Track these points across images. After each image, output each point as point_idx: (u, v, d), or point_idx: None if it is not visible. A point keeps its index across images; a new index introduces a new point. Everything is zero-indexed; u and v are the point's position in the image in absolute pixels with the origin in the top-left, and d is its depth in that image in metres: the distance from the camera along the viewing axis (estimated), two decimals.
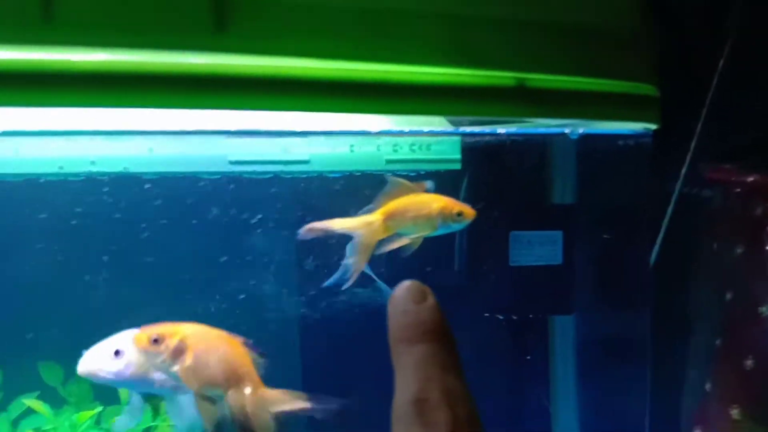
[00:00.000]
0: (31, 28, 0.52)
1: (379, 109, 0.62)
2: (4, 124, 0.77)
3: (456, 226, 0.76)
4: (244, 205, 1.01)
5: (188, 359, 0.64)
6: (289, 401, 0.63)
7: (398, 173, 1.03)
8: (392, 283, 0.32)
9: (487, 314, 1.08)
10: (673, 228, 1.04)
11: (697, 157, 1.02)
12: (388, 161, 0.98)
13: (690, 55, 0.99)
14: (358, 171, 0.99)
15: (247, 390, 0.63)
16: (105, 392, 1.06)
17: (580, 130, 0.77)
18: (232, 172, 0.97)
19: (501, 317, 1.06)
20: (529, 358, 1.14)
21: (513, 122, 0.80)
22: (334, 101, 0.60)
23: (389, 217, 0.75)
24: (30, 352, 1.06)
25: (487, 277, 1.03)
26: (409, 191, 0.76)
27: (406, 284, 0.33)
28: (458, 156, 0.97)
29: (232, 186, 0.99)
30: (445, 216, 0.75)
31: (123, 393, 1.04)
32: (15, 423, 1.02)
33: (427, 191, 0.76)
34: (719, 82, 0.98)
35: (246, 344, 0.65)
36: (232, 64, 0.57)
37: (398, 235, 0.75)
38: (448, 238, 0.99)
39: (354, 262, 0.73)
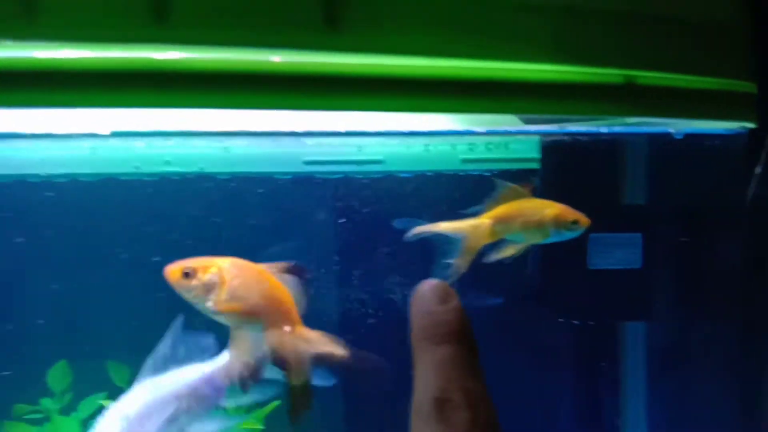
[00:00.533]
0: (143, 28, 0.51)
1: (487, 109, 0.60)
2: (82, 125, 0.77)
3: (568, 235, 0.73)
4: (315, 205, 1.00)
5: (223, 293, 0.60)
6: (327, 344, 0.60)
7: (473, 173, 1.01)
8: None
9: (561, 319, 1.06)
10: (758, 230, 1.01)
11: None
12: (464, 161, 0.96)
13: None
14: (432, 171, 0.98)
15: (286, 327, 0.60)
16: None
17: (684, 130, 0.75)
18: (306, 172, 0.97)
19: (577, 322, 1.04)
20: (603, 365, 1.12)
21: (598, 120, 0.78)
22: (442, 101, 0.59)
23: (498, 222, 0.73)
24: (98, 352, 1.06)
25: (564, 280, 1.01)
26: (519, 196, 0.73)
27: (430, 284, 0.33)
28: (537, 155, 0.95)
29: (304, 186, 0.99)
30: (558, 224, 0.72)
31: None
32: (85, 423, 1.03)
33: (533, 191, 0.74)
34: None
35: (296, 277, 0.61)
36: (342, 62, 0.56)
37: (506, 242, 0.73)
38: None
39: (457, 264, 0.71)
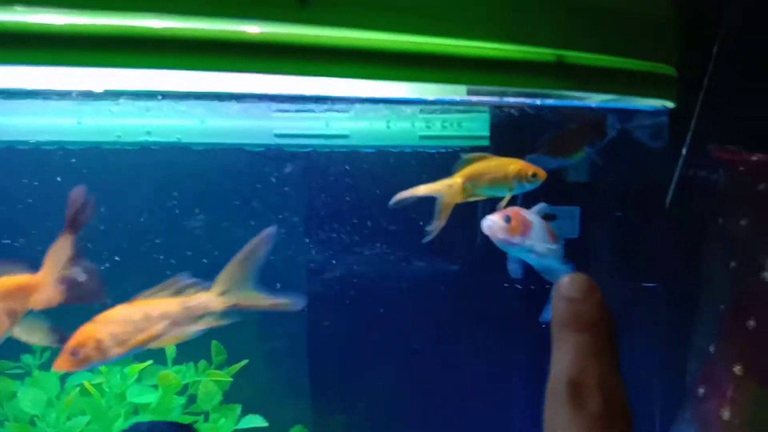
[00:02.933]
0: None
1: (435, 79, 0.69)
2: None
3: (529, 187, 0.83)
4: (286, 176, 1.08)
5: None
6: None
7: (430, 149, 1.11)
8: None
9: (506, 284, 1.16)
10: (682, 205, 1.12)
11: (704, 138, 1.10)
12: (422, 137, 1.05)
13: (699, 39, 1.06)
14: (393, 146, 1.07)
15: None
16: (146, 353, 1.13)
17: (609, 105, 0.85)
18: (276, 145, 1.04)
19: (519, 286, 1.14)
20: (543, 326, 1.22)
21: (539, 96, 0.88)
22: (396, 70, 0.67)
23: (468, 180, 0.83)
24: (75, 312, 1.12)
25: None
26: (483, 159, 0.83)
27: (574, 275, 0.34)
28: (487, 133, 1.04)
29: (274, 158, 1.06)
30: (520, 177, 0.83)
31: (169, 350, 1.10)
32: (63, 378, 1.08)
33: None
34: (726, 66, 1.06)
35: None
36: (311, 34, 0.64)
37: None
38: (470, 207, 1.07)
39: (437, 220, 0.81)
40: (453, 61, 0.69)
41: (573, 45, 0.74)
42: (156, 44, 0.60)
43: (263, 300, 0.73)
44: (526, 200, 1.08)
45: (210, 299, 0.72)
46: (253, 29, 0.63)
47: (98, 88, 0.71)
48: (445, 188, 0.83)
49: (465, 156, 0.87)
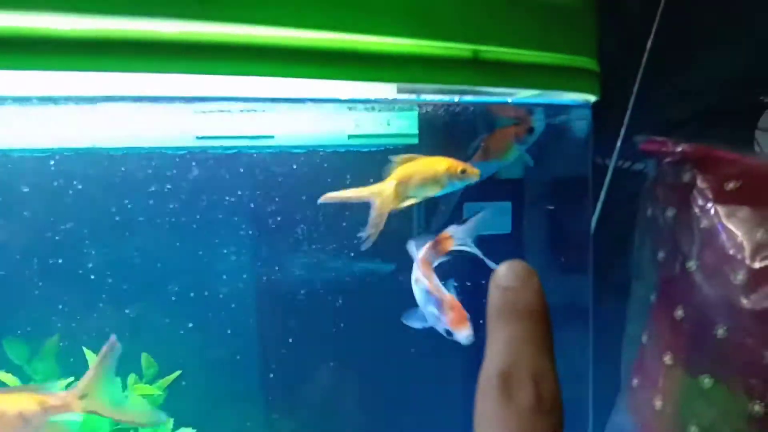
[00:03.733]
0: None
1: (344, 76, 0.67)
2: None
3: (460, 184, 0.82)
4: (211, 182, 1.05)
5: None
6: None
7: (360, 149, 1.09)
8: None
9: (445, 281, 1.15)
10: (611, 197, 1.14)
11: (631, 130, 1.12)
12: (350, 136, 1.03)
13: (625, 31, 1.07)
14: (321, 147, 1.04)
15: None
16: (69, 370, 1.08)
17: (527, 100, 0.84)
18: (199, 148, 1.01)
19: (456, 284, 1.13)
20: (481, 322, 1.22)
21: (464, 92, 0.87)
22: (303, 68, 0.65)
23: (400, 182, 0.81)
24: None
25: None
26: (412, 160, 0.82)
27: (510, 263, 0.34)
28: (416, 131, 1.03)
29: (196, 162, 1.03)
30: (451, 175, 0.82)
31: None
32: None
33: None
34: (652, 59, 1.07)
35: None
36: (212, 31, 0.61)
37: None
38: (421, 209, 1.06)
39: (371, 227, 0.79)
40: (368, 58, 0.67)
41: (489, 40, 0.73)
42: (62, 45, 0.57)
43: (121, 414, 0.71)
44: (461, 198, 1.07)
45: (71, 400, 0.69)
46: (166, 27, 0.60)
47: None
48: (377, 192, 0.81)
49: (394, 159, 0.85)
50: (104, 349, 0.73)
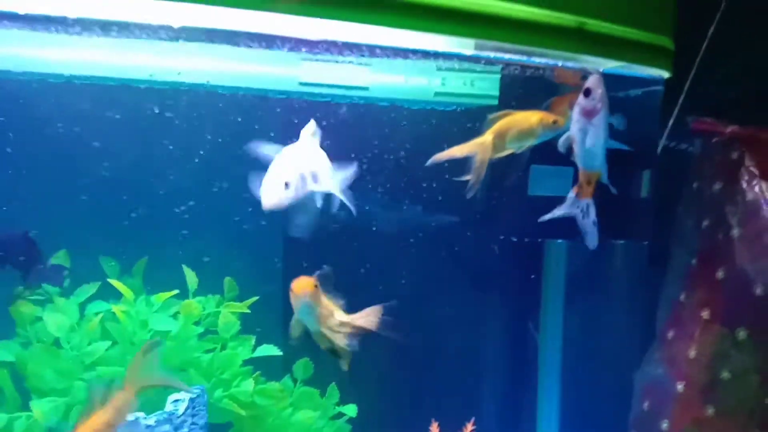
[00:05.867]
0: None
1: (460, 33, 0.77)
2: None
3: (552, 134, 0.92)
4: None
5: None
6: None
7: (443, 106, 1.19)
8: None
9: (502, 237, 1.26)
10: (663, 171, 1.25)
11: (685, 110, 1.22)
12: (437, 93, 1.13)
13: (689, 12, 1.17)
14: (408, 101, 1.15)
15: None
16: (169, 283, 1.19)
17: (613, 72, 0.94)
18: (299, 93, 1.11)
19: (515, 239, 1.25)
20: (533, 277, 1.34)
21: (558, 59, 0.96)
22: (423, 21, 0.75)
23: (498, 136, 0.91)
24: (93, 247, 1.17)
25: (506, 204, 1.21)
26: (506, 114, 0.92)
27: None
28: (497, 93, 1.13)
29: (297, 106, 1.13)
30: (544, 126, 0.92)
31: (191, 282, 1.16)
32: (81, 306, 1.13)
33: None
34: (710, 42, 1.17)
35: None
36: None
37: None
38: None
39: (473, 177, 0.90)
40: (481, 19, 0.77)
41: (592, 13, 0.83)
42: None
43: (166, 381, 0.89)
44: None
45: (128, 395, 0.83)
46: None
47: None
48: (478, 147, 0.92)
49: (490, 116, 0.95)
50: (143, 348, 0.87)
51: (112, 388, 0.83)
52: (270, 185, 0.78)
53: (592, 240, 0.91)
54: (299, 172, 0.81)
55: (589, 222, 0.90)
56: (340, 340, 0.90)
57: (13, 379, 1.08)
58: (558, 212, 0.92)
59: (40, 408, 1.03)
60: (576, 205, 0.91)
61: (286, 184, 0.78)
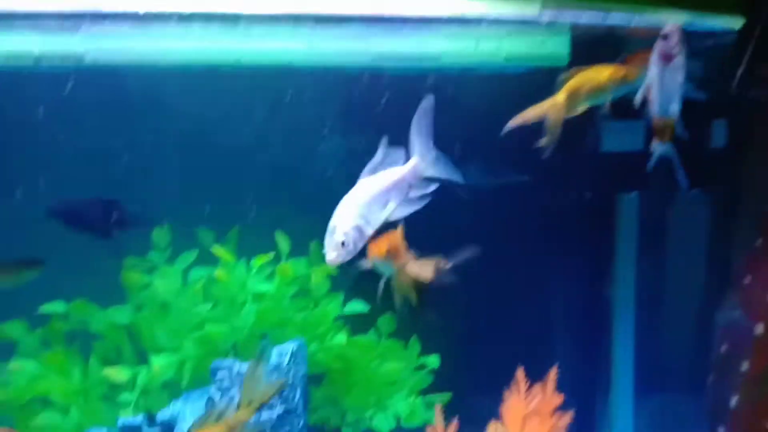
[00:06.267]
0: None
1: None
2: None
3: (624, 89, 0.93)
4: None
5: None
6: None
7: (514, 69, 1.21)
8: None
9: (574, 192, 1.30)
10: (735, 119, 1.26)
11: (757, 58, 1.22)
12: (507, 57, 1.17)
13: None
14: (481, 64, 1.18)
15: None
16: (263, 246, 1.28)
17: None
18: (375, 66, 1.16)
19: (589, 194, 1.28)
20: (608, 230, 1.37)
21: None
22: None
23: (570, 95, 0.93)
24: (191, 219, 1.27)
25: (574, 159, 1.23)
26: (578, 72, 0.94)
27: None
28: (568, 51, 1.15)
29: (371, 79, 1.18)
30: (614, 81, 0.93)
31: (283, 246, 1.24)
32: (184, 272, 1.23)
33: None
34: None
35: None
36: None
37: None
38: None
39: (548, 135, 0.92)
40: None
41: None
42: None
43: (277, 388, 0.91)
44: None
45: (244, 414, 0.87)
46: None
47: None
48: (551, 107, 0.94)
49: (561, 76, 0.96)
50: (252, 362, 0.90)
51: (229, 407, 0.86)
52: (329, 245, 0.80)
53: (684, 180, 0.92)
54: (354, 224, 0.81)
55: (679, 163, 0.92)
56: (425, 272, 0.93)
57: (129, 339, 1.20)
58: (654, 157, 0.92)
59: (158, 363, 1.13)
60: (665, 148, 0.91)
61: (343, 243, 0.79)
